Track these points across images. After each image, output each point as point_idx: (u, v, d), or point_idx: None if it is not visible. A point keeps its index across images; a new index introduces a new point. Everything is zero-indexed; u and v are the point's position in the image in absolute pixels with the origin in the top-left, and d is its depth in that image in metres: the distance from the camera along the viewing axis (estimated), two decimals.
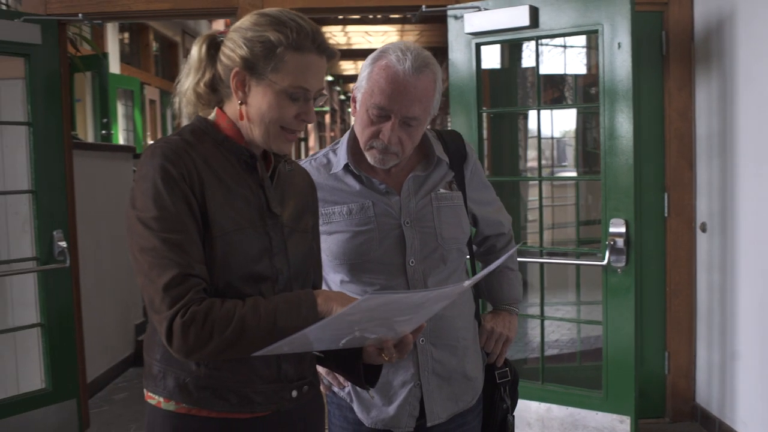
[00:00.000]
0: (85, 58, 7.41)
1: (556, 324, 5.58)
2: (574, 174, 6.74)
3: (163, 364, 1.53)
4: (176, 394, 1.51)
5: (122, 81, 10.01)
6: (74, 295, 3.90)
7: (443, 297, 1.43)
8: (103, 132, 8.58)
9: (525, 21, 3.48)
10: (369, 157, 1.87)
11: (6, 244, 3.99)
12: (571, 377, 3.88)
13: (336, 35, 24.72)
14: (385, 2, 3.83)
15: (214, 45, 1.57)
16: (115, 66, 10.30)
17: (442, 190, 1.96)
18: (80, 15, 3.76)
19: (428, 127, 2.08)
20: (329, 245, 1.89)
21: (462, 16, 3.66)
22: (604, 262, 3.27)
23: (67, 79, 3.95)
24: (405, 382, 1.90)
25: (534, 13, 3.47)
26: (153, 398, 1.55)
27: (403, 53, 1.79)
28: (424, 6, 3.75)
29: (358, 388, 1.91)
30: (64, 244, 3.78)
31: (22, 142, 3.84)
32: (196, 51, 1.58)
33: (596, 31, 3.31)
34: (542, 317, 3.60)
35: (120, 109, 10.36)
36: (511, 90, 5.51)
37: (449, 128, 3.37)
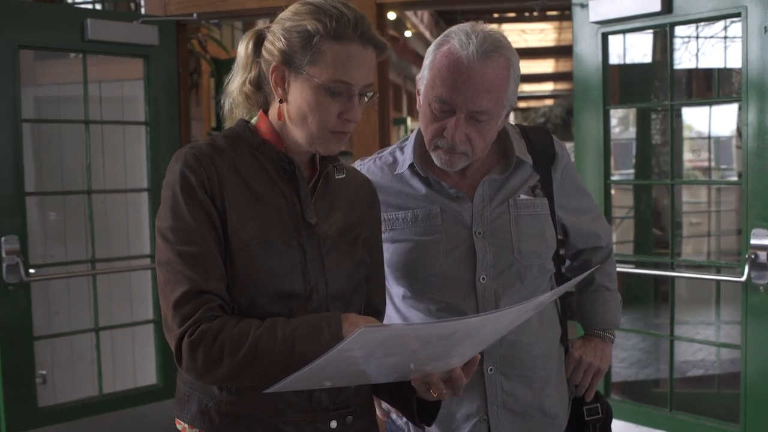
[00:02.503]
0: (228, 60, 7.60)
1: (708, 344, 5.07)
2: (735, 178, 6.17)
3: (188, 387, 1.42)
4: (198, 420, 1.39)
5: None
6: None
7: (487, 325, 1.20)
8: None
9: (656, 6, 3.12)
10: (435, 158, 1.65)
11: (126, 241, 4.09)
12: (707, 405, 3.47)
13: None
14: None
15: (260, 40, 1.43)
16: None
17: (523, 196, 1.71)
18: (195, 15, 3.77)
19: (514, 122, 1.85)
20: (390, 255, 1.70)
21: (587, 4, 3.35)
22: (743, 279, 2.86)
23: (185, 79, 3.98)
24: (469, 415, 1.67)
25: None
26: (180, 424, 1.44)
27: (467, 36, 1.56)
28: None
29: None
30: None
31: (142, 141, 3.91)
32: (243, 48, 1.45)
33: (739, 14, 2.92)
34: (672, 337, 3.22)
35: None
36: (661, 84, 5.10)
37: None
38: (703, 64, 5.74)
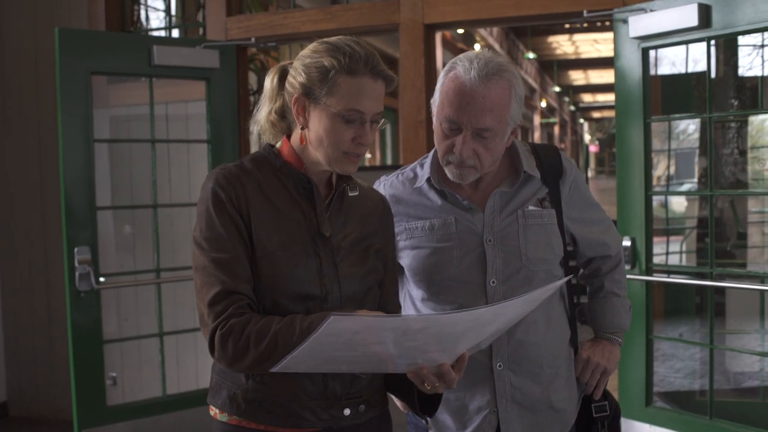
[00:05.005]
0: None
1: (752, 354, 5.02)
2: None
3: (220, 377, 1.61)
4: (227, 406, 1.58)
5: None
6: None
7: (458, 322, 1.33)
8: None
9: (694, 21, 3.19)
10: (447, 172, 1.81)
11: (190, 252, 4.32)
12: (753, 415, 3.48)
13: (563, 44, 24.19)
14: (547, 9, 3.68)
15: (284, 75, 1.64)
16: None
17: (531, 208, 1.85)
18: (253, 39, 4.00)
19: (526, 141, 1.98)
20: (410, 261, 1.86)
21: (627, 20, 3.43)
22: None
23: (245, 99, 4.22)
24: (480, 407, 1.82)
25: (704, 11, 3.16)
26: (212, 410, 1.63)
27: (470, 62, 1.73)
28: (585, 11, 3.55)
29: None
30: None
31: (204, 158, 4.15)
32: (269, 81, 1.66)
33: None
34: (711, 345, 3.26)
35: None
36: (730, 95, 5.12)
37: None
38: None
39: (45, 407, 4.73)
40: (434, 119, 1.81)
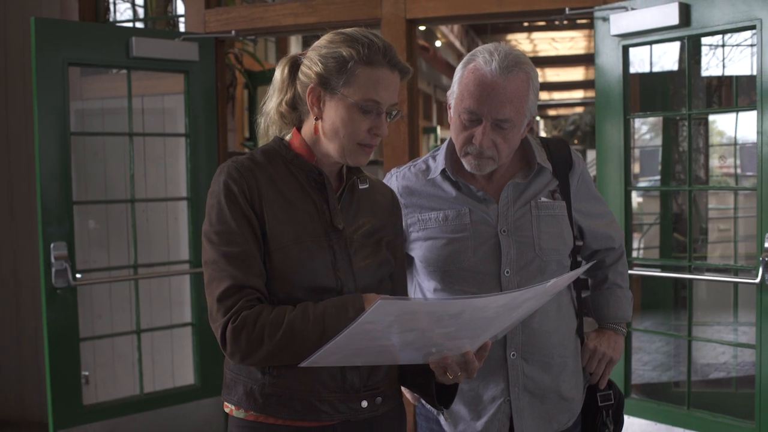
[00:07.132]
0: (263, 73, 7.75)
1: (726, 345, 5.16)
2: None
3: (234, 373, 1.59)
4: (244, 402, 1.56)
5: None
6: None
7: (490, 305, 1.34)
8: None
9: (674, 20, 3.25)
10: (465, 163, 1.83)
11: (166, 247, 4.28)
12: (725, 405, 3.57)
13: (521, 42, 24.42)
14: (529, 6, 3.71)
15: (295, 66, 1.63)
16: None
17: (543, 199, 1.88)
18: (233, 32, 3.96)
19: (534, 135, 2.01)
20: (423, 252, 1.87)
21: (608, 18, 3.48)
22: (757, 280, 2.97)
23: (223, 92, 4.17)
24: (495, 397, 1.84)
25: (684, 10, 3.23)
26: (228, 407, 1.61)
27: (490, 54, 1.75)
28: (567, 9, 3.60)
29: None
30: None
31: (181, 152, 4.10)
32: (279, 72, 1.64)
33: (754, 27, 3.04)
34: (689, 337, 3.33)
35: None
36: (693, 93, 5.21)
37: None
38: (732, 71, 5.83)
39: (13, 408, 4.62)
40: (451, 111, 1.83)
